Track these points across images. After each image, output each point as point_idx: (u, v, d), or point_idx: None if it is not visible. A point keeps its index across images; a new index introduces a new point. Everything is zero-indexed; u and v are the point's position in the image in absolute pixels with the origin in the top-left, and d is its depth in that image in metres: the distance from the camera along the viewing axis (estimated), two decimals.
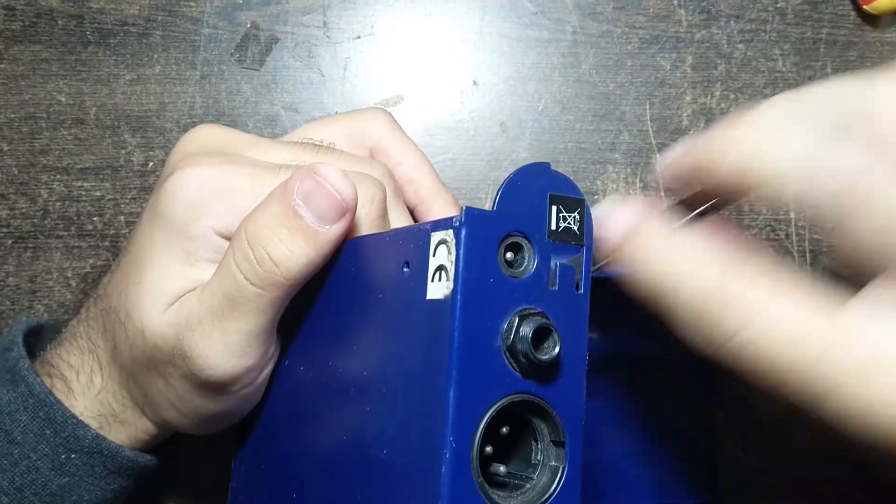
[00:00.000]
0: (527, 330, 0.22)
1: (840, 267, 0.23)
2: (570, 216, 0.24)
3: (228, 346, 0.28)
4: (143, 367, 0.30)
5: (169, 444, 0.35)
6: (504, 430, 0.23)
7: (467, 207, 0.22)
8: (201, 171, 0.29)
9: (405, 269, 0.24)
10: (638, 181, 0.44)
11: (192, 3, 0.44)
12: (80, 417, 0.32)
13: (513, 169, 0.44)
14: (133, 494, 0.35)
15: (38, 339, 0.35)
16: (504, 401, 0.22)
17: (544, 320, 0.22)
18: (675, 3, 0.46)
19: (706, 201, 0.27)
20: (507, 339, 0.22)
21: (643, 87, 0.45)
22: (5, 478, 0.31)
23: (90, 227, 0.42)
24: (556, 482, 0.23)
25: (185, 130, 0.43)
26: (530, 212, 0.23)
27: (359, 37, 0.45)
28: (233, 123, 0.43)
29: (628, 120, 0.45)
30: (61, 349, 0.33)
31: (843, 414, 0.21)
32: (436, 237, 0.23)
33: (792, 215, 0.43)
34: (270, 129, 0.43)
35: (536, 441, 0.23)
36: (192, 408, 0.30)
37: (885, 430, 0.20)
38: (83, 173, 0.43)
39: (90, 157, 0.43)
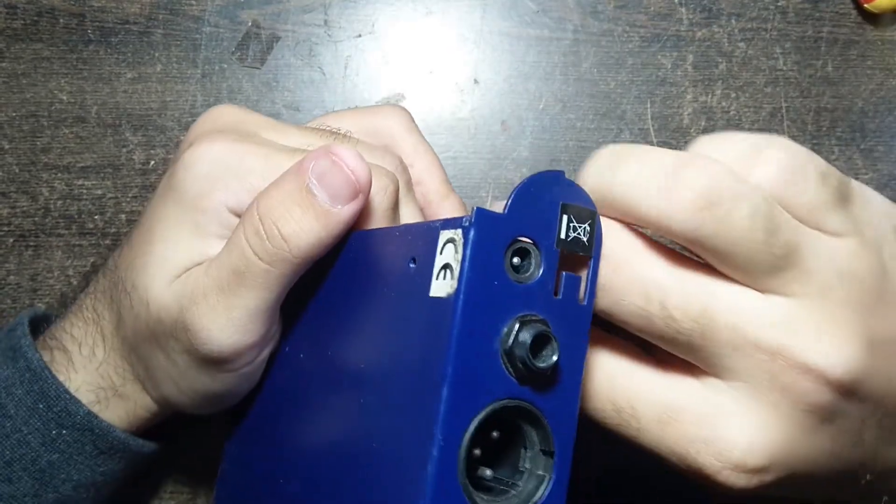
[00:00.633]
0: (526, 336, 0.22)
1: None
2: (580, 227, 0.24)
3: (231, 322, 0.28)
4: (145, 339, 0.30)
5: (166, 426, 0.35)
6: (494, 434, 0.23)
7: (478, 208, 0.22)
8: (217, 147, 0.29)
9: (411, 265, 0.24)
10: None
11: (193, 2, 0.44)
12: (79, 391, 0.32)
13: (514, 167, 0.44)
14: (126, 481, 0.35)
15: (46, 321, 0.35)
16: (497, 404, 0.22)
17: (544, 328, 0.22)
18: (676, 1, 0.46)
19: None
20: (506, 343, 0.22)
21: (644, 86, 0.45)
22: None
23: (91, 226, 0.42)
24: (540, 491, 0.23)
25: (187, 129, 0.43)
26: (541, 218, 0.23)
27: (360, 35, 0.45)
28: None
29: (629, 118, 0.45)
30: (66, 322, 0.33)
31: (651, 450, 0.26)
32: (444, 235, 0.23)
33: None
34: None
35: (525, 448, 0.23)
36: (192, 384, 0.30)
37: (678, 466, 0.26)
38: (84, 172, 0.43)
39: (91, 156, 0.43)
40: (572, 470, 0.23)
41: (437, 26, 0.45)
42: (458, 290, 0.22)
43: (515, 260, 0.23)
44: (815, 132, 0.46)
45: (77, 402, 0.31)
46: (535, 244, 0.23)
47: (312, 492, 0.27)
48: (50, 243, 0.42)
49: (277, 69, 0.44)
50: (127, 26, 0.44)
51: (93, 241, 0.42)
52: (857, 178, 0.45)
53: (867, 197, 0.27)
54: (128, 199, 0.42)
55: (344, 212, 0.27)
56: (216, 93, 0.44)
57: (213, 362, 0.29)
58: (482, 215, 0.22)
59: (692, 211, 0.24)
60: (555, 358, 0.22)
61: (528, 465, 0.23)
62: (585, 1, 0.45)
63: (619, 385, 0.26)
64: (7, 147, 0.42)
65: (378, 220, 0.29)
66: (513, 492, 0.23)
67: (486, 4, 0.45)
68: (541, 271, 0.23)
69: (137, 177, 0.43)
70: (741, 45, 0.46)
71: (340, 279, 0.29)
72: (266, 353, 0.31)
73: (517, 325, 0.22)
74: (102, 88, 0.43)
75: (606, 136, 0.45)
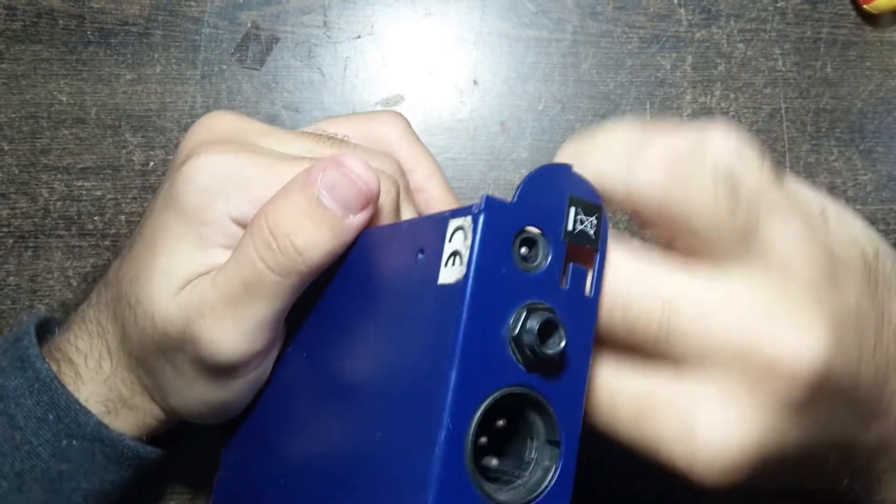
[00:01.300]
0: (534, 323, 0.22)
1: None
2: (587, 220, 0.24)
3: (240, 332, 0.28)
4: (152, 353, 0.30)
5: (175, 433, 0.35)
6: (500, 422, 0.23)
7: (487, 196, 0.22)
8: (217, 157, 0.29)
9: (419, 256, 0.24)
10: None
11: (192, 3, 0.44)
12: (88, 401, 0.32)
13: (513, 168, 0.44)
14: (136, 486, 0.35)
15: (48, 330, 0.35)
16: (504, 391, 0.22)
17: (552, 315, 0.22)
18: (675, 2, 0.46)
19: None
20: (514, 330, 0.22)
21: (643, 87, 0.45)
22: (6, 462, 0.31)
23: (91, 227, 0.42)
24: (546, 481, 0.23)
25: (186, 130, 0.43)
26: (548, 210, 0.23)
27: (359, 36, 0.45)
28: None
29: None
30: (70, 334, 0.33)
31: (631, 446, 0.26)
32: (454, 223, 0.23)
33: None
34: None
35: (532, 438, 0.23)
36: (199, 395, 0.30)
37: (654, 460, 0.25)
38: (84, 173, 0.43)
39: (91, 157, 0.43)
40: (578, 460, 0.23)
41: (436, 27, 0.45)
42: (466, 275, 0.22)
43: (523, 249, 0.23)
44: (814, 133, 0.46)
45: (87, 412, 0.31)
46: (542, 234, 0.23)
47: (315, 492, 0.27)
48: (49, 244, 0.42)
49: (277, 70, 0.44)
50: (126, 27, 0.44)
51: (92, 242, 0.42)
52: (856, 179, 0.46)
53: (791, 182, 0.28)
54: (127, 201, 0.43)
55: (355, 221, 0.28)
56: (215, 94, 0.44)
57: (222, 371, 0.29)
58: (491, 203, 0.22)
59: (661, 177, 0.24)
60: (562, 345, 0.22)
61: (534, 455, 0.23)
62: (584, 2, 0.45)
63: (599, 380, 0.27)
64: (7, 148, 0.43)
65: (382, 223, 0.29)
66: (519, 481, 0.23)
67: (485, 6, 0.45)
68: (548, 261, 0.23)
69: (137, 178, 0.43)
70: (740, 46, 0.46)
71: (346, 278, 0.29)
72: (272, 357, 0.31)
73: (525, 313, 0.22)
74: (102, 90, 0.43)
75: None
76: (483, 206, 0.22)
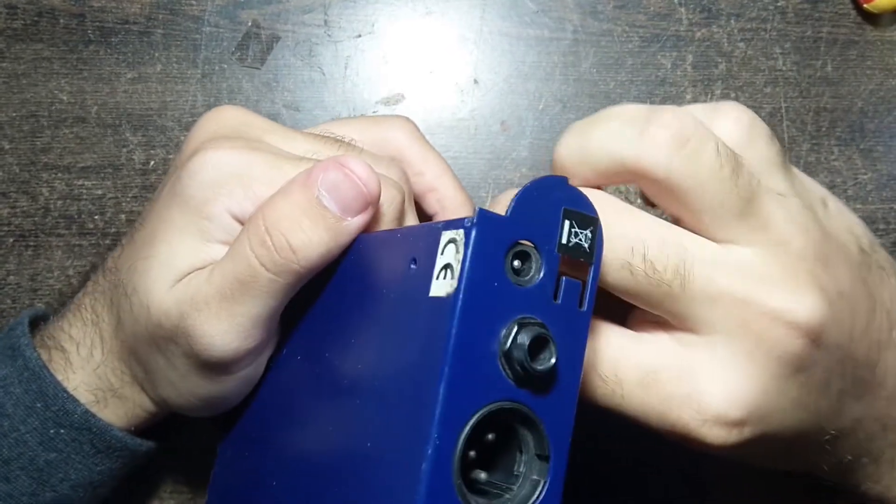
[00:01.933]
0: (525, 338, 0.22)
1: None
2: (582, 233, 0.24)
3: (234, 328, 0.28)
4: (145, 343, 0.30)
5: (163, 426, 0.35)
6: (490, 436, 0.23)
7: (480, 209, 0.22)
8: (223, 153, 0.29)
9: (412, 266, 0.24)
10: None
11: (193, 2, 0.44)
12: (77, 390, 0.32)
13: (513, 167, 0.44)
14: (125, 479, 0.35)
15: (44, 323, 0.35)
16: (494, 406, 0.22)
17: (543, 330, 0.22)
18: (676, 1, 0.46)
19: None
20: (505, 344, 0.22)
21: (644, 86, 0.45)
22: None
23: (91, 226, 0.42)
24: (535, 496, 0.22)
25: (187, 129, 0.43)
26: (543, 223, 0.23)
27: (360, 35, 0.45)
28: None
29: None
30: (64, 321, 0.33)
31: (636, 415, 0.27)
32: (446, 236, 0.23)
33: None
34: None
35: (521, 452, 0.23)
36: (191, 388, 0.30)
37: (662, 426, 0.27)
38: (84, 172, 0.43)
39: (91, 156, 0.43)
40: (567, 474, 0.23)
41: (436, 26, 0.45)
42: (457, 289, 0.22)
43: (516, 263, 0.23)
44: (814, 132, 0.46)
45: (75, 401, 0.31)
46: (536, 248, 0.23)
47: (305, 494, 0.27)
48: (50, 243, 0.42)
49: (277, 69, 0.44)
50: (127, 26, 0.44)
51: (93, 241, 0.42)
52: (856, 178, 0.46)
53: (796, 170, 0.30)
54: (128, 200, 0.43)
55: (353, 223, 0.28)
56: (216, 93, 0.44)
57: (214, 367, 0.29)
58: (484, 216, 0.22)
59: (666, 150, 0.26)
60: (553, 361, 0.22)
61: (523, 469, 0.23)
62: (585, 1, 0.45)
63: (602, 355, 0.27)
64: (7, 147, 0.42)
65: (384, 230, 0.29)
66: (507, 495, 0.23)
67: (485, 4, 0.45)
68: (541, 275, 0.23)
69: (137, 177, 0.43)
70: (741, 45, 0.46)
71: (341, 281, 0.29)
72: (266, 355, 0.31)
73: (516, 327, 0.22)
74: (102, 88, 0.43)
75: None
76: (476, 219, 0.22)
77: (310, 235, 0.27)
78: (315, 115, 0.44)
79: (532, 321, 0.22)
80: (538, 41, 0.45)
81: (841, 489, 0.31)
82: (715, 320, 0.26)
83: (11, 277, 0.42)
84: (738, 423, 0.25)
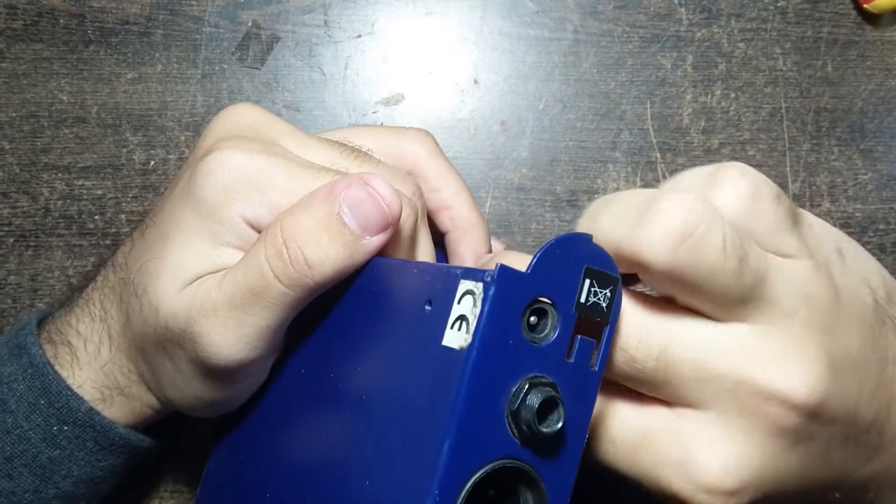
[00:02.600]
0: (534, 399, 0.22)
1: None
2: (601, 292, 0.23)
3: (241, 338, 0.28)
4: (152, 344, 0.30)
5: (165, 425, 0.35)
6: (490, 492, 0.22)
7: (502, 266, 0.22)
8: (240, 156, 0.29)
9: (427, 307, 0.24)
10: (638, 180, 0.44)
11: (193, 2, 0.44)
12: (83, 387, 0.32)
13: (513, 167, 0.44)
14: (125, 475, 0.35)
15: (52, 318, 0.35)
16: (497, 464, 0.22)
17: (553, 392, 0.22)
18: (676, 1, 0.46)
19: None
20: (514, 404, 0.22)
21: (644, 86, 0.45)
22: None
23: (91, 226, 0.42)
24: None
25: (187, 129, 0.43)
26: (563, 280, 0.23)
27: (360, 35, 0.45)
28: None
29: (629, 119, 0.45)
30: (72, 316, 0.33)
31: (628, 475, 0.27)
32: (464, 286, 0.22)
33: None
34: None
35: None
36: (194, 392, 0.30)
37: (654, 490, 0.26)
38: (84, 172, 0.43)
39: (91, 156, 0.43)
40: None
41: (437, 26, 0.45)
42: (472, 346, 0.21)
43: (532, 319, 0.23)
44: (814, 132, 0.46)
45: (78, 398, 0.31)
46: (553, 305, 0.23)
47: None
48: (50, 243, 0.42)
49: (277, 69, 0.44)
50: (127, 27, 0.44)
51: (93, 242, 0.42)
52: (856, 179, 0.46)
53: (810, 220, 0.28)
54: (128, 200, 0.43)
55: (372, 243, 0.27)
56: (216, 93, 0.44)
57: (219, 374, 0.29)
58: (505, 273, 0.22)
59: (668, 244, 0.24)
60: (560, 424, 0.22)
61: None
62: (585, 1, 0.45)
63: (601, 414, 0.27)
64: (7, 147, 0.42)
65: (399, 247, 0.29)
66: None
67: (486, 5, 0.45)
68: (556, 333, 0.23)
69: (138, 177, 0.43)
70: (741, 45, 0.46)
71: (353, 303, 0.29)
72: (270, 364, 0.31)
73: (526, 387, 0.22)
74: (102, 89, 0.43)
75: (606, 137, 0.45)
76: (496, 275, 0.22)
77: (327, 251, 0.27)
78: (315, 115, 0.44)
79: (543, 381, 0.22)
80: (538, 41, 0.45)
81: None
82: (707, 399, 0.25)
83: (12, 277, 0.42)
84: (733, 494, 0.25)
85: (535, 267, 0.22)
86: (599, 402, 0.26)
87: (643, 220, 0.24)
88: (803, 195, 0.45)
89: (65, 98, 0.43)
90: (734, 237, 0.24)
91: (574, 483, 0.23)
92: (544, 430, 0.22)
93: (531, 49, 0.45)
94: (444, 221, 0.35)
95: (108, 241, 0.42)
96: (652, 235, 0.24)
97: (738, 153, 0.45)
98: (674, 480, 0.25)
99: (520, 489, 0.23)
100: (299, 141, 0.31)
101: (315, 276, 0.27)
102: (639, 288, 0.28)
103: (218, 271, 0.29)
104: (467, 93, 0.45)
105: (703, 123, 0.45)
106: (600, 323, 0.24)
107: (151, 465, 0.40)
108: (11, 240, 0.42)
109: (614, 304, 0.24)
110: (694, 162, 0.45)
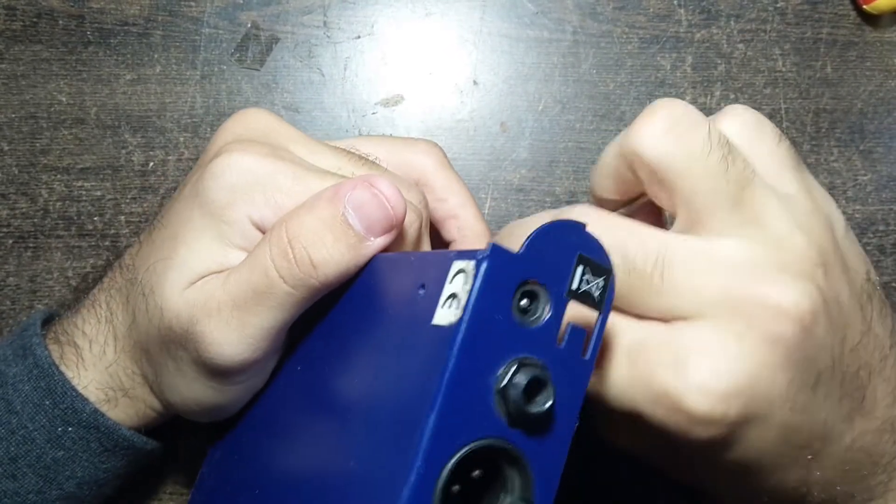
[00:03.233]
0: (522, 378, 0.22)
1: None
2: (594, 281, 0.24)
3: (244, 338, 0.28)
4: (156, 345, 0.30)
5: (168, 430, 0.35)
6: (476, 473, 0.22)
7: (494, 244, 0.22)
8: (248, 158, 0.29)
9: (420, 292, 0.24)
10: None
11: (192, 3, 0.44)
12: (88, 388, 0.32)
13: (513, 168, 0.44)
14: (127, 478, 0.35)
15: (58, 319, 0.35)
16: (483, 442, 0.22)
17: (542, 373, 0.22)
18: (675, 2, 0.46)
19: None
20: (501, 382, 0.22)
21: (643, 87, 0.45)
22: (0, 447, 0.31)
23: (90, 227, 0.42)
24: None
25: (186, 130, 0.43)
26: (555, 265, 0.23)
27: (359, 36, 0.45)
28: None
29: (628, 120, 0.45)
30: (78, 317, 0.33)
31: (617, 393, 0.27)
32: (457, 265, 0.22)
33: None
34: None
35: (505, 493, 0.23)
36: (194, 394, 0.30)
37: (646, 398, 0.26)
38: (84, 173, 0.43)
39: (91, 157, 0.43)
40: None
41: (436, 28, 0.45)
42: (461, 320, 0.21)
43: (524, 301, 0.23)
44: (814, 133, 0.46)
45: (83, 399, 0.31)
46: (545, 289, 0.23)
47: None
48: (49, 245, 0.42)
49: (276, 70, 0.44)
50: (126, 28, 0.44)
51: (92, 243, 0.42)
52: (856, 180, 0.46)
53: (815, 183, 0.30)
54: (127, 201, 0.43)
55: (375, 244, 0.28)
56: (215, 94, 0.44)
57: (220, 375, 0.29)
58: (497, 251, 0.22)
59: (655, 135, 0.26)
60: (548, 405, 0.22)
61: None
62: (584, 2, 0.45)
63: None
64: (6, 148, 0.42)
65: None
66: None
67: (485, 6, 0.45)
68: (547, 317, 0.23)
69: (137, 178, 0.43)
70: (740, 46, 0.46)
71: (350, 298, 0.29)
72: (271, 365, 0.31)
73: (515, 366, 0.22)
74: (101, 90, 0.43)
75: (605, 138, 0.45)
76: (488, 252, 0.22)
77: (331, 252, 0.27)
78: (314, 116, 0.44)
79: (533, 362, 0.22)
80: (538, 42, 0.45)
81: None
82: (701, 308, 0.26)
83: (11, 279, 0.42)
84: (725, 396, 0.25)
85: (528, 248, 0.22)
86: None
87: (636, 120, 0.27)
88: None
89: (64, 99, 0.43)
90: (719, 136, 0.26)
91: (562, 469, 0.23)
92: (531, 409, 0.22)
93: (530, 50, 0.45)
94: (450, 231, 0.35)
95: (107, 243, 0.42)
96: (643, 127, 0.27)
97: None
98: (666, 380, 0.25)
99: (506, 470, 0.22)
100: (308, 146, 0.31)
101: (320, 277, 0.27)
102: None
103: (222, 271, 0.29)
104: (466, 94, 0.45)
105: None
106: (592, 312, 0.24)
107: (153, 467, 0.40)
108: (10, 241, 0.42)
109: (607, 295, 0.24)
110: None
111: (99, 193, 0.42)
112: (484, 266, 0.22)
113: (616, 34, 0.45)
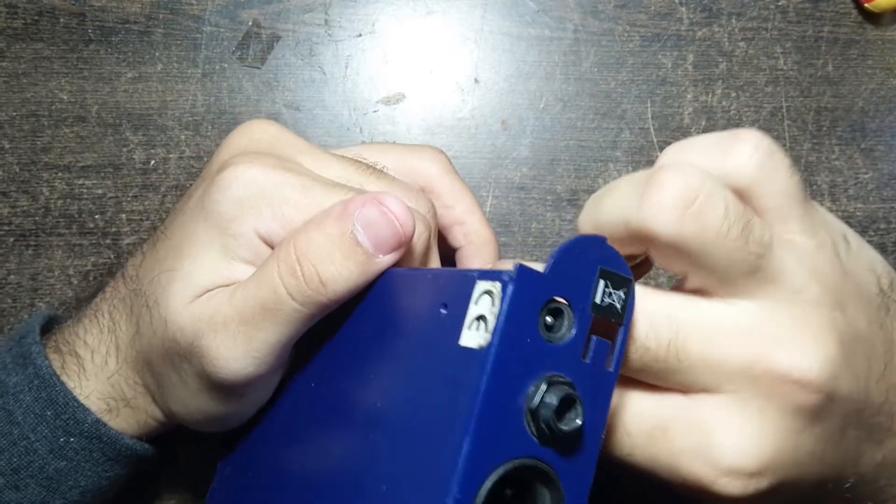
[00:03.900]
0: (553, 398, 0.22)
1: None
2: (615, 293, 0.24)
3: (249, 353, 0.28)
4: (159, 357, 0.30)
5: (170, 436, 0.35)
6: (508, 492, 0.22)
7: (520, 265, 0.22)
8: (256, 170, 0.29)
9: (442, 311, 0.24)
10: None
11: (193, 1, 0.44)
12: (90, 398, 0.32)
13: (514, 167, 0.44)
14: (128, 484, 0.35)
15: (55, 326, 0.35)
16: (516, 463, 0.22)
17: (572, 391, 0.22)
18: (677, 1, 0.46)
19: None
20: (532, 402, 0.22)
21: (644, 85, 0.45)
22: (3, 458, 0.31)
23: (92, 225, 0.42)
24: None
25: (187, 128, 0.43)
26: (578, 281, 0.23)
27: (360, 35, 0.45)
28: (235, 121, 0.43)
29: (630, 118, 0.45)
30: (80, 327, 0.33)
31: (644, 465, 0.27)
32: (482, 286, 0.23)
33: None
34: None
35: None
36: (199, 406, 0.30)
37: (673, 479, 0.26)
38: (85, 171, 0.43)
39: (92, 155, 0.43)
40: None
41: (437, 26, 0.45)
42: (491, 344, 0.21)
43: (549, 319, 0.23)
44: (815, 132, 0.46)
45: (85, 409, 0.31)
46: (569, 306, 0.23)
47: None
48: (50, 243, 0.42)
49: (278, 69, 0.44)
50: (127, 26, 0.44)
51: (93, 241, 0.42)
52: (857, 178, 0.46)
53: (816, 205, 0.29)
54: (128, 199, 0.42)
55: (384, 261, 0.28)
56: (216, 92, 0.44)
57: (225, 389, 0.29)
58: (523, 272, 0.22)
59: (672, 213, 0.24)
60: (579, 422, 0.22)
61: None
62: (586, 0, 0.45)
63: (615, 405, 0.27)
64: (7, 146, 0.42)
65: (411, 264, 0.29)
66: None
67: (486, 4, 0.45)
68: (572, 333, 0.23)
69: (138, 176, 0.43)
70: (741, 44, 0.46)
71: (363, 313, 0.29)
72: (276, 380, 0.31)
73: (545, 385, 0.22)
74: (103, 88, 0.43)
75: (607, 136, 0.45)
76: (515, 275, 0.22)
77: (340, 269, 0.27)
78: (315, 114, 0.44)
79: (561, 380, 0.22)
80: (539, 40, 0.45)
81: None
82: (720, 381, 0.25)
83: (12, 277, 0.42)
84: (755, 475, 0.25)
85: (553, 267, 0.23)
86: (615, 394, 0.26)
87: (647, 193, 0.25)
88: None
89: (65, 97, 0.43)
90: (736, 205, 0.25)
91: (592, 482, 0.23)
92: (564, 428, 0.22)
93: (532, 48, 0.45)
94: (457, 237, 0.35)
95: (108, 241, 0.42)
96: (656, 206, 0.24)
97: None
98: (693, 465, 0.25)
99: (537, 488, 0.23)
100: (315, 157, 0.31)
101: (329, 294, 0.27)
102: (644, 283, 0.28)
103: (228, 285, 0.29)
104: (468, 92, 0.45)
105: (703, 123, 0.45)
106: (614, 325, 0.24)
107: (153, 473, 0.40)
108: (11, 239, 0.42)
109: (628, 306, 0.24)
110: None
111: (100, 191, 0.42)
112: (511, 289, 0.22)
113: (617, 32, 0.45)
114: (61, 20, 0.43)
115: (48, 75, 0.43)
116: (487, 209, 0.44)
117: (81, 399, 0.32)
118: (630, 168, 0.44)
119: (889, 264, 0.30)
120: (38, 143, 0.43)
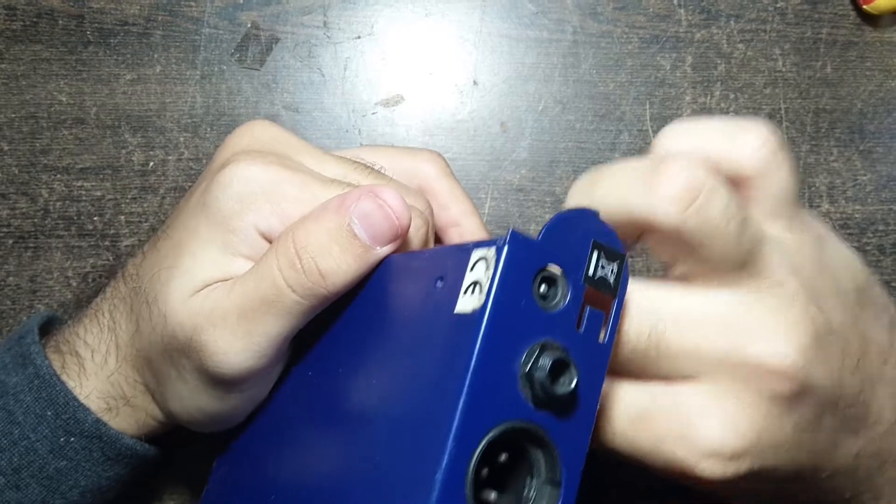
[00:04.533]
0: (546, 361, 0.22)
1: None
2: (609, 266, 0.24)
3: (249, 347, 0.28)
4: (159, 353, 0.30)
5: (169, 436, 0.35)
6: (503, 456, 0.23)
7: (513, 230, 0.22)
8: (255, 168, 0.29)
9: (438, 284, 0.24)
10: None
11: (192, 3, 0.44)
12: (90, 398, 0.32)
13: (513, 168, 0.44)
14: (128, 483, 0.35)
15: (54, 326, 0.35)
16: (510, 425, 0.22)
17: (565, 355, 0.22)
18: (675, 3, 0.46)
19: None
20: (526, 365, 0.22)
21: (643, 87, 0.45)
22: (3, 457, 0.31)
23: (90, 227, 0.42)
24: None
25: (186, 130, 0.43)
26: (571, 251, 0.23)
27: (359, 37, 0.45)
28: (233, 123, 0.43)
29: (628, 120, 0.45)
30: (80, 326, 0.33)
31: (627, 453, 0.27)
32: (477, 254, 0.23)
33: None
34: None
35: (532, 476, 0.23)
36: (198, 403, 0.30)
37: (655, 464, 0.27)
38: (84, 173, 0.43)
39: (91, 157, 0.43)
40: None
41: (436, 28, 0.45)
42: (484, 305, 0.22)
43: (543, 287, 0.23)
44: (813, 133, 0.46)
45: (86, 409, 0.31)
46: (563, 275, 0.23)
47: None
48: (49, 244, 0.42)
49: (276, 70, 0.44)
50: (126, 28, 0.44)
51: (92, 243, 0.42)
52: (855, 180, 0.46)
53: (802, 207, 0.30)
54: (127, 201, 0.43)
55: (381, 253, 0.28)
56: (215, 94, 0.44)
57: (224, 384, 0.29)
58: (516, 237, 0.22)
59: (678, 205, 0.25)
60: (573, 385, 0.22)
61: (533, 494, 0.23)
62: (584, 2, 0.45)
63: None
64: (6, 148, 0.42)
65: None
66: None
67: (485, 6, 0.45)
68: (566, 302, 0.23)
69: (137, 178, 0.43)
70: (740, 46, 0.46)
71: (361, 302, 0.29)
72: (275, 374, 0.31)
73: (538, 350, 0.22)
74: (101, 90, 0.43)
75: (605, 138, 0.45)
76: (508, 239, 0.22)
77: (339, 262, 0.27)
78: (314, 116, 0.44)
79: (555, 345, 0.23)
80: (538, 42, 0.45)
81: None
82: (699, 369, 0.26)
83: (11, 279, 0.42)
84: (734, 458, 0.25)
85: (545, 235, 0.23)
86: None
87: (654, 183, 0.25)
88: (802, 196, 0.45)
89: (64, 99, 0.43)
90: (736, 201, 0.26)
91: (587, 450, 0.23)
92: (557, 390, 0.22)
93: (530, 50, 0.45)
94: (452, 238, 0.36)
95: (107, 242, 0.42)
96: (664, 197, 0.25)
97: None
98: (675, 450, 0.26)
99: (533, 455, 0.23)
100: (314, 156, 0.32)
101: (328, 286, 0.28)
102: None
103: (227, 280, 0.29)
104: (466, 94, 0.45)
105: None
106: (608, 298, 0.24)
107: (152, 473, 0.40)
108: (10, 241, 0.42)
109: (621, 279, 0.24)
110: None
111: (99, 193, 0.42)
112: (505, 252, 0.22)
113: (616, 34, 0.45)
114: (60, 22, 0.43)
115: (47, 77, 0.43)
116: (486, 211, 0.44)
117: (81, 399, 0.32)
118: None
119: (887, 266, 0.30)
120: (37, 144, 0.43)
